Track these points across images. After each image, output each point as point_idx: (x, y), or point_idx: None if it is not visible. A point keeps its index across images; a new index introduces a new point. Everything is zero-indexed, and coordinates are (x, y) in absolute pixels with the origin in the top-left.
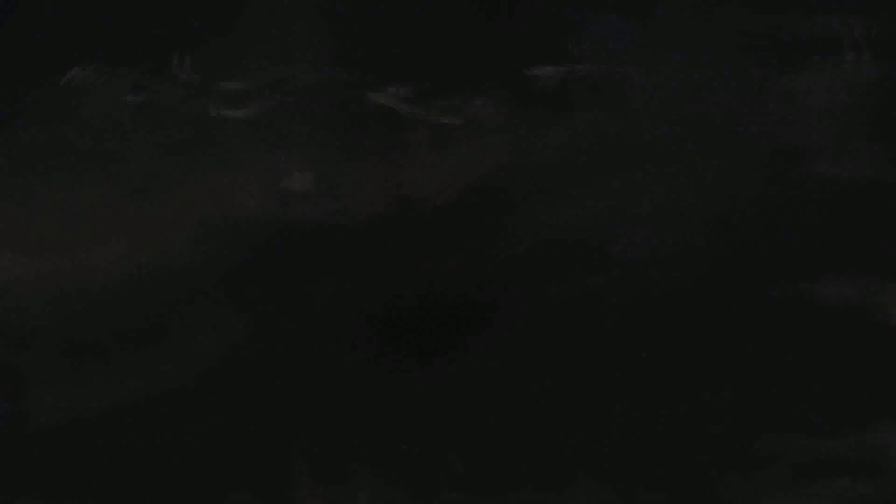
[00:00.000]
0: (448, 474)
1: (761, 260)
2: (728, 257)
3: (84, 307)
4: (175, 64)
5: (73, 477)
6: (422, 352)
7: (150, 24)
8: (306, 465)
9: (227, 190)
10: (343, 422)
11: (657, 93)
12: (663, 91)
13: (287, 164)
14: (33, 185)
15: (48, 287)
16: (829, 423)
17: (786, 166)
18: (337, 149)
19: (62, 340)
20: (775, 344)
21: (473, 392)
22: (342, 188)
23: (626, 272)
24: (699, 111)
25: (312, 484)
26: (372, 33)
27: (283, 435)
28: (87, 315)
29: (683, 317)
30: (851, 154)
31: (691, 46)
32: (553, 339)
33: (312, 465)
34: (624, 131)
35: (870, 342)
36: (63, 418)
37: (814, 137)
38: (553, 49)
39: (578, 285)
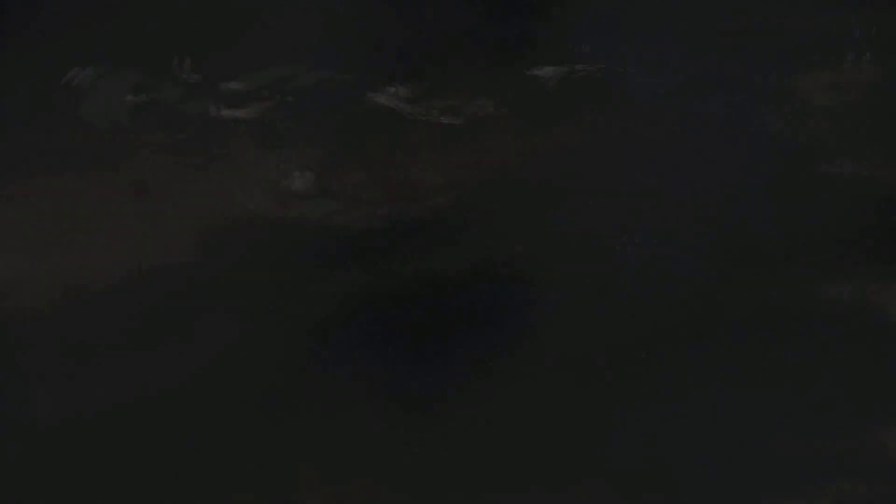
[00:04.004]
0: (448, 474)
1: (762, 260)
2: (728, 257)
3: (84, 307)
4: (175, 64)
5: (73, 477)
6: (422, 351)
7: (150, 24)
8: (307, 466)
9: (227, 190)
10: (343, 421)
11: (657, 93)
12: (663, 91)
13: (287, 164)
14: (33, 185)
15: (48, 287)
16: (829, 423)
17: (786, 166)
18: (337, 149)
19: (62, 340)
20: (775, 344)
21: (473, 391)
22: (342, 188)
23: (626, 272)
24: (699, 111)
25: (313, 484)
26: (372, 33)
27: (284, 435)
28: (87, 315)
29: (684, 317)
30: (852, 154)
31: (691, 46)
32: (553, 339)
33: (313, 465)
34: (624, 131)
35: (870, 342)
36: (63, 418)
37: (814, 137)
38: (553, 49)
39: (578, 285)
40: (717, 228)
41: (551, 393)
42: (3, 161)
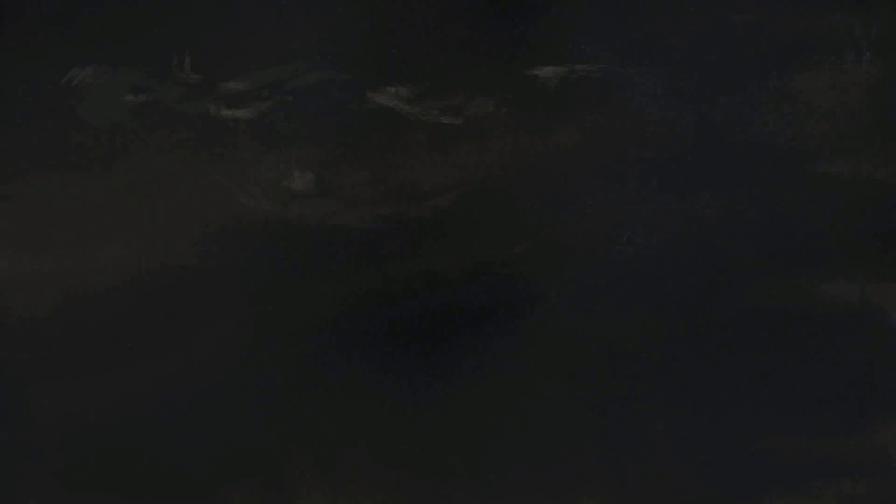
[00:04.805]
0: (448, 475)
1: (762, 260)
2: (728, 257)
3: (85, 307)
4: (175, 64)
5: (73, 477)
6: (421, 352)
7: (150, 23)
8: (307, 465)
9: (227, 190)
10: (343, 421)
11: (657, 93)
12: (663, 91)
13: (287, 164)
14: (33, 185)
15: (48, 287)
16: (829, 423)
17: (786, 166)
18: (337, 149)
19: (62, 340)
20: (775, 344)
21: (473, 391)
22: (342, 188)
23: (625, 272)
24: (699, 111)
25: (313, 483)
26: (372, 33)
27: (284, 434)
28: (88, 315)
29: (683, 317)
30: (851, 154)
31: (691, 46)
32: (553, 339)
33: (313, 464)
34: (623, 131)
35: (870, 342)
36: (63, 418)
37: (814, 137)
38: (553, 49)
39: (578, 285)
40: (716, 228)
41: (550, 393)
42: (3, 161)
